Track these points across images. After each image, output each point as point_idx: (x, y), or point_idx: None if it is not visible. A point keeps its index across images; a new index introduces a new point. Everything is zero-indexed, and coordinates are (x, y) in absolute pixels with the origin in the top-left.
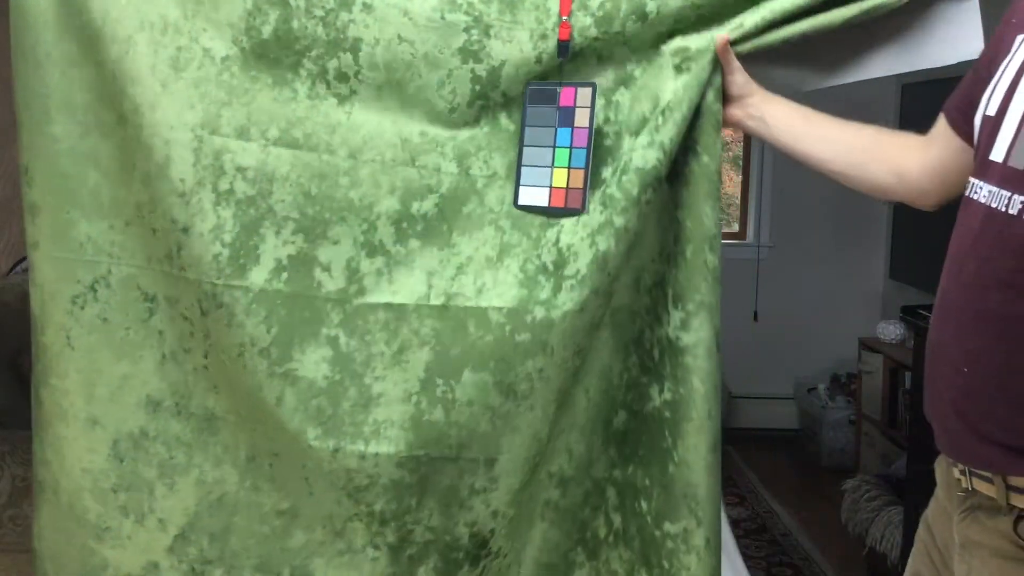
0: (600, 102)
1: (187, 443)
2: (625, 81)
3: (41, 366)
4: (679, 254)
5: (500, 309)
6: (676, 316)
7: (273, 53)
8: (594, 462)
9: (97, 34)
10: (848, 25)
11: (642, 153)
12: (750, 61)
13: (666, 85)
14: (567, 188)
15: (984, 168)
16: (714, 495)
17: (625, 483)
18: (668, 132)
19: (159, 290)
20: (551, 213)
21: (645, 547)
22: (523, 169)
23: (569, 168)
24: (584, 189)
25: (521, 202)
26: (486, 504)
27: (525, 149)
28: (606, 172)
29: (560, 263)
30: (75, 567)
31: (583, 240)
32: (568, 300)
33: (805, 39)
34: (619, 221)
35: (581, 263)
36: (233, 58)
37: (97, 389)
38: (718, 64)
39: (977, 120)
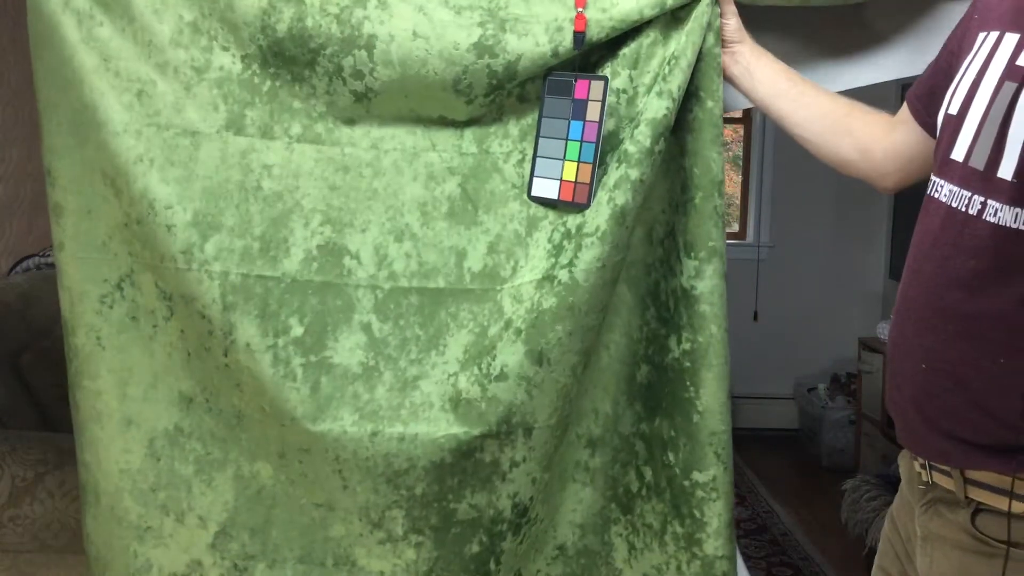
0: (624, 72)
1: (222, 438)
2: (642, 45)
3: (74, 368)
4: (688, 202)
5: (531, 282)
6: (690, 265)
7: (289, 51)
8: (620, 418)
9: (117, 35)
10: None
11: (654, 103)
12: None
13: (671, 34)
14: (575, 182)
15: (945, 167)
16: (731, 441)
17: (652, 436)
18: (676, 80)
19: (174, 289)
20: (559, 206)
21: (676, 498)
22: (538, 160)
23: (578, 162)
24: (591, 185)
25: (534, 193)
26: (527, 473)
27: (541, 140)
28: (624, 132)
29: (581, 223)
30: (120, 570)
31: (601, 197)
32: (590, 258)
33: (813, 35)
34: (634, 174)
35: (600, 219)
36: (252, 56)
37: (130, 388)
38: (716, 6)
39: (940, 118)
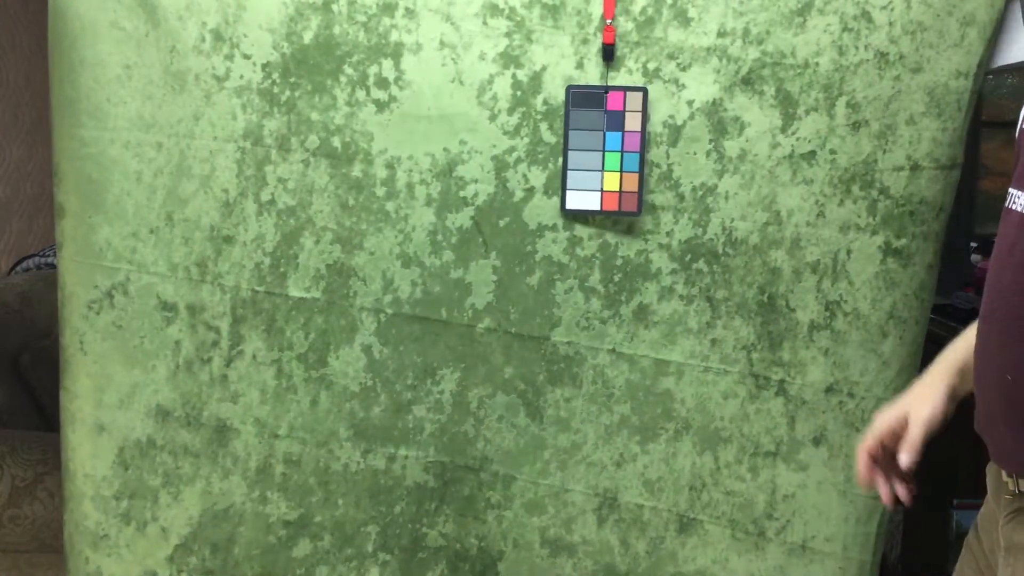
0: None
1: (195, 453)
2: None
3: (61, 367)
4: None
5: (538, 339)
6: None
7: (313, 59)
8: None
9: (140, 41)
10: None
11: None
12: None
13: None
14: (620, 192)
15: (1022, 179)
16: None
17: None
18: None
19: (181, 298)
20: (604, 217)
21: None
22: (569, 174)
23: (621, 172)
24: (640, 193)
25: (569, 207)
26: (499, 521)
27: (571, 153)
28: None
29: (616, 293)
30: (74, 574)
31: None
32: (627, 339)
33: None
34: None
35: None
36: (274, 65)
37: (106, 395)
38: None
39: (1019, 129)
